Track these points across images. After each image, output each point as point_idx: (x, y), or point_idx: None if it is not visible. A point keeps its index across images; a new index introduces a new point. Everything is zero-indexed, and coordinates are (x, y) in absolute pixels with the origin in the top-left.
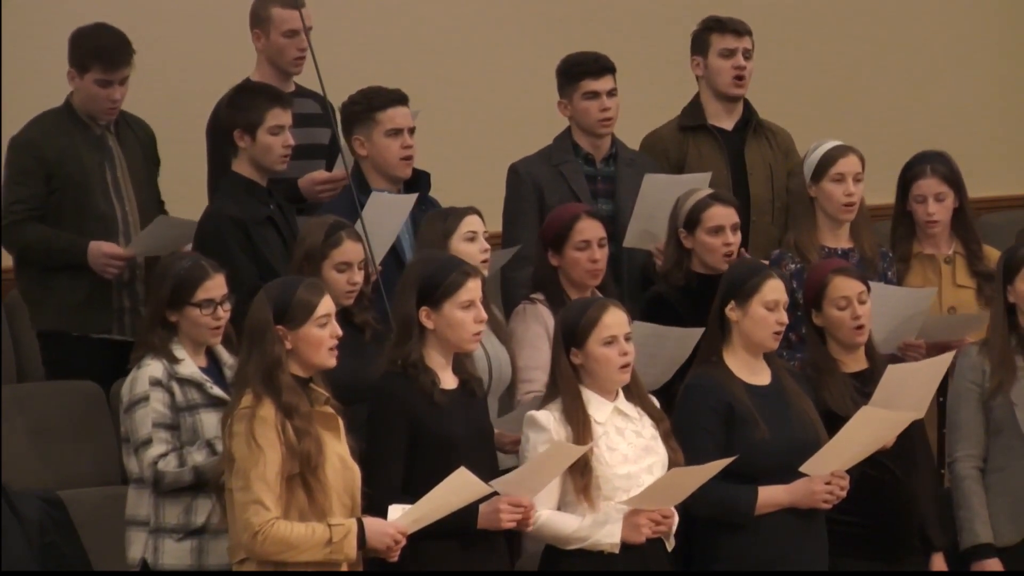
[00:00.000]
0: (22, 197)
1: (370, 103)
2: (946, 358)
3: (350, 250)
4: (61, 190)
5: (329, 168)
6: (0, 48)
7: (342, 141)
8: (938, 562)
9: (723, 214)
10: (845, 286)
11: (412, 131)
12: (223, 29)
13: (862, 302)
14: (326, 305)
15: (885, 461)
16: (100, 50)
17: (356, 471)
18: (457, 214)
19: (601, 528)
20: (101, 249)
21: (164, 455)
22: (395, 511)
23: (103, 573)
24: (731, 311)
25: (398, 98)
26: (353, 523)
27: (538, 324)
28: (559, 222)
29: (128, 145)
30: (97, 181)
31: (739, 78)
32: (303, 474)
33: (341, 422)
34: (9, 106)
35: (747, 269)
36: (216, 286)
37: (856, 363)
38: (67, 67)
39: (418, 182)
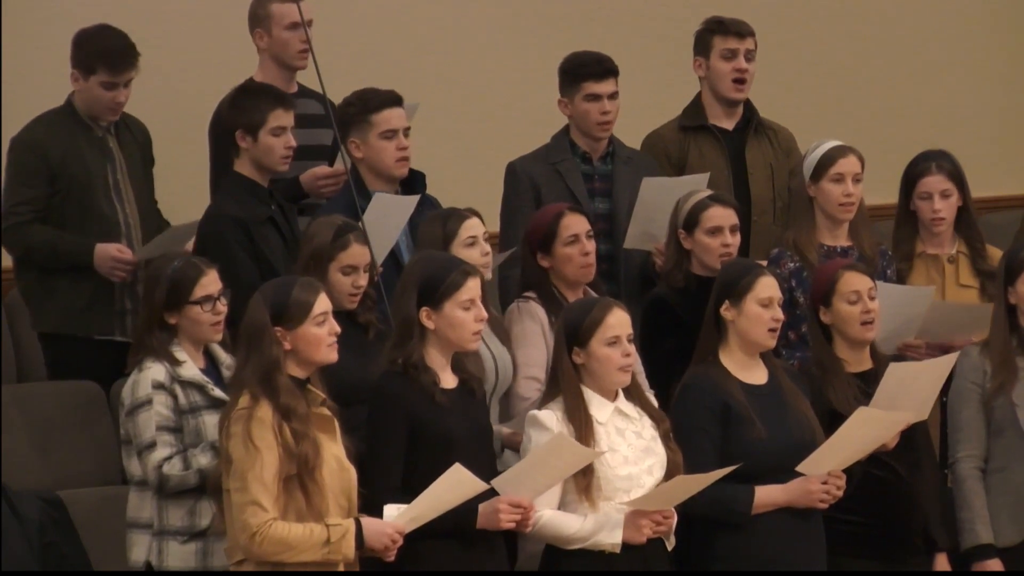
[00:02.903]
0: (27, 198)
1: (365, 105)
2: (949, 359)
3: (357, 253)
4: (65, 192)
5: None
6: (0, 48)
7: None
8: (941, 562)
9: (722, 215)
10: (856, 281)
11: (407, 131)
12: (222, 30)
13: (872, 298)
14: (323, 303)
15: (889, 461)
16: (106, 53)
17: (352, 472)
18: (457, 218)
19: (603, 529)
20: (109, 252)
21: (169, 458)
22: (391, 510)
23: (103, 573)
24: (726, 311)
25: (392, 99)
26: (351, 523)
27: (533, 321)
28: (544, 223)
29: (127, 147)
30: (99, 183)
31: (740, 81)
32: (300, 476)
33: (337, 424)
34: (8, 106)
35: (740, 268)
36: (211, 282)
37: (861, 363)
38: (69, 68)
39: (413, 182)
